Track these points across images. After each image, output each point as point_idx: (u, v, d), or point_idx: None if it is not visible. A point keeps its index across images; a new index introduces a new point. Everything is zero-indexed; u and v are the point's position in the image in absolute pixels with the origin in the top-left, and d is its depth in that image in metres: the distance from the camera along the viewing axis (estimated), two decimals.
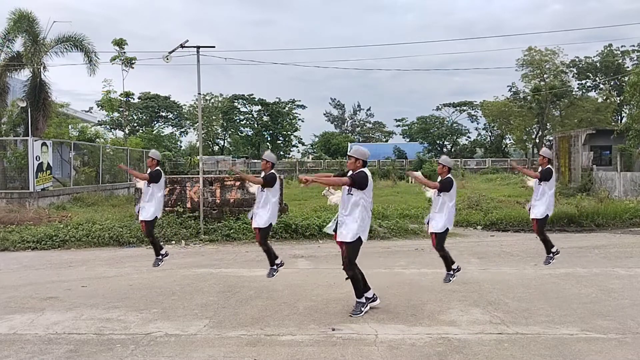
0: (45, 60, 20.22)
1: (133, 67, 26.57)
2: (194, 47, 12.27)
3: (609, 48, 48.36)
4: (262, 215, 6.98)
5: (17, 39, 19.78)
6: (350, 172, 5.89)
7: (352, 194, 5.74)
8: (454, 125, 58.64)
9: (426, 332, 5.20)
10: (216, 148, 59.47)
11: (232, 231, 11.73)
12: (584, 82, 51.44)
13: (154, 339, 5.05)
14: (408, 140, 60.65)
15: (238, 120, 60.12)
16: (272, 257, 7.22)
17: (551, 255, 7.91)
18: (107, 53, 27.62)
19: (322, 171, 43.82)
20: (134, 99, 46.48)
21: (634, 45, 46.92)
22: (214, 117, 55.41)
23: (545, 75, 47.31)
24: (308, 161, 51.88)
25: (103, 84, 26.55)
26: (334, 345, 4.83)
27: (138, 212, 7.96)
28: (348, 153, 5.97)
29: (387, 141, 67.08)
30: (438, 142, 57.43)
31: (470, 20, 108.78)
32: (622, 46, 47.65)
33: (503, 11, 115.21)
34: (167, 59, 12.18)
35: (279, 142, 60.27)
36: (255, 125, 60.07)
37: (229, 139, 60.96)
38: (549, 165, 7.73)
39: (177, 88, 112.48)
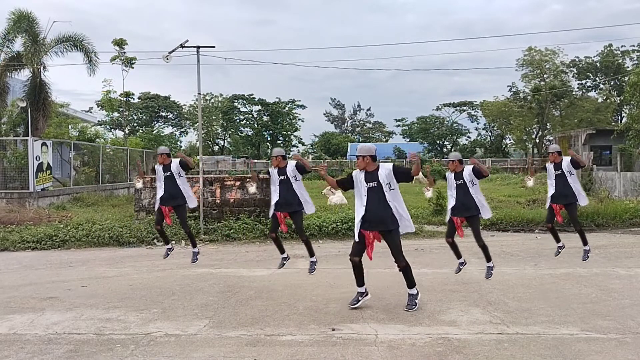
0: (45, 60, 20.23)
1: (133, 67, 26.53)
2: (194, 47, 12.28)
3: (609, 48, 48.35)
4: None
5: (17, 39, 19.78)
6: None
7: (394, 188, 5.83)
8: (454, 125, 58.66)
9: (426, 332, 5.20)
10: (216, 148, 59.46)
11: (232, 231, 11.73)
12: (584, 82, 51.45)
13: (154, 339, 5.05)
14: (408, 140, 60.65)
15: (238, 120, 60.12)
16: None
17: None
18: (107, 53, 27.64)
19: None
20: (134, 99, 46.50)
21: (634, 45, 46.95)
22: (214, 117, 55.39)
23: (545, 75, 47.27)
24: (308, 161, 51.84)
25: (103, 84, 26.56)
26: (334, 345, 4.83)
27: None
28: (357, 153, 5.94)
29: (387, 141, 67.06)
30: (438, 142, 57.45)
31: (469, 21, 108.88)
32: (622, 46, 47.70)
33: (503, 11, 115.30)
34: (167, 59, 12.19)
35: (279, 142, 60.25)
36: (255, 125, 60.06)
37: (229, 139, 60.93)
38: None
39: (177, 88, 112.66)
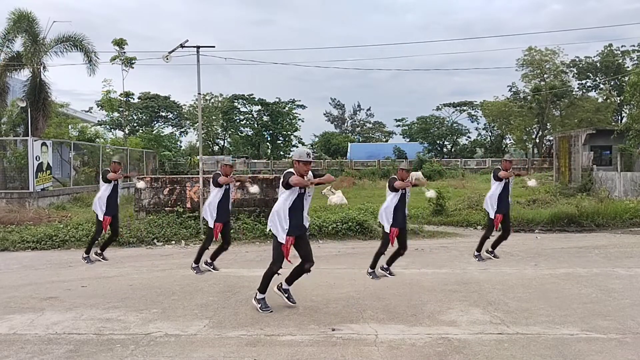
0: (45, 60, 20.28)
1: (133, 67, 26.56)
2: (194, 47, 12.28)
3: (609, 48, 48.33)
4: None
5: (17, 39, 19.82)
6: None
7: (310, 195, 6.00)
8: (454, 125, 58.56)
9: (426, 332, 5.20)
10: (216, 148, 59.40)
11: (232, 231, 11.71)
12: (584, 82, 51.43)
13: (154, 339, 5.05)
14: (408, 140, 60.55)
15: (238, 120, 60.03)
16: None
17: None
18: (107, 53, 27.73)
19: (323, 171, 43.79)
20: (134, 99, 46.51)
21: (634, 45, 46.93)
22: (214, 117, 55.34)
23: (545, 75, 47.30)
24: None
25: (103, 84, 26.62)
26: (334, 345, 4.83)
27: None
28: (308, 159, 5.78)
29: (387, 141, 66.99)
30: (438, 142, 57.38)
31: (469, 21, 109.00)
32: (622, 46, 47.67)
33: (503, 11, 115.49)
34: (167, 59, 12.19)
35: (279, 142, 60.21)
36: (255, 125, 59.99)
37: (229, 139, 60.89)
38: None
39: (177, 88, 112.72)
